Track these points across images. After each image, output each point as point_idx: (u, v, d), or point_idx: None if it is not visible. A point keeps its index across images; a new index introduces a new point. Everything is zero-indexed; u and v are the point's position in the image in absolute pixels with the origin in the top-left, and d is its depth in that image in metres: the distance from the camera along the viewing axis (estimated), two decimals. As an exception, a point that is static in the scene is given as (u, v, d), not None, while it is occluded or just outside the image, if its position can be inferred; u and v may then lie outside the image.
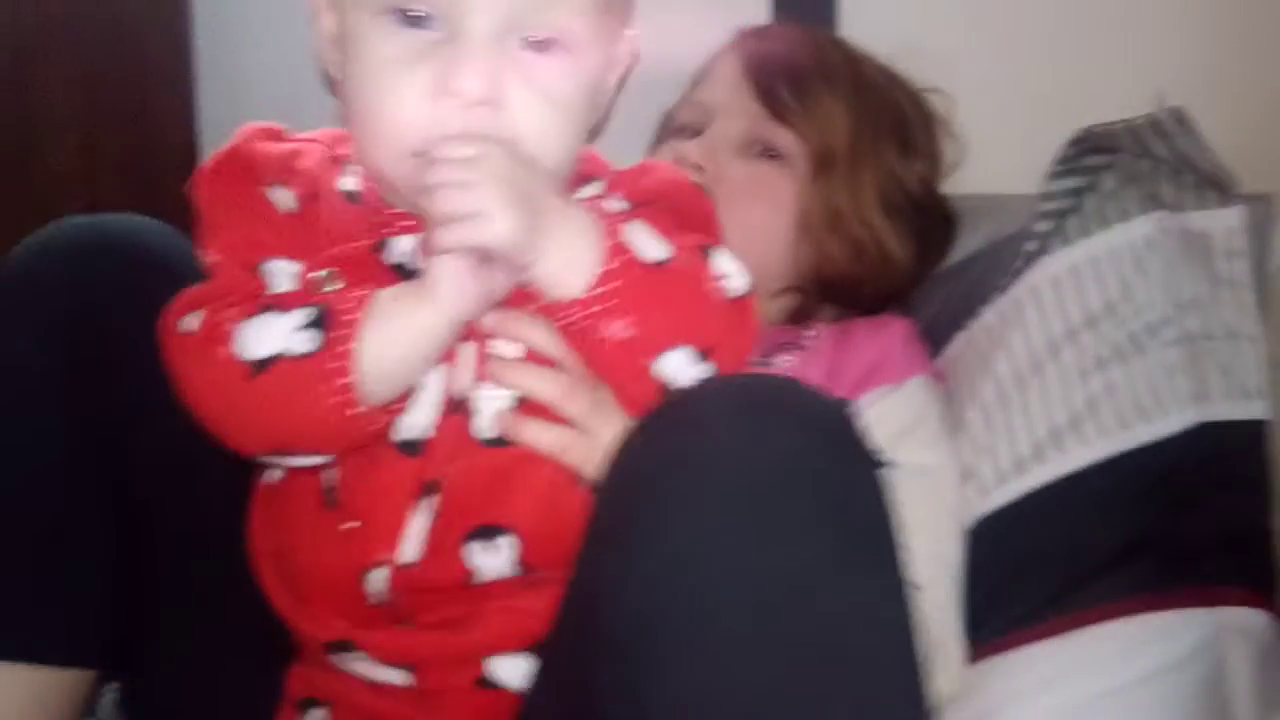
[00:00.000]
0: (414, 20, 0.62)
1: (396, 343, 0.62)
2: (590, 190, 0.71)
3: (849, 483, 0.58)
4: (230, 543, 0.73)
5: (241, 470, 0.70)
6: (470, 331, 0.66)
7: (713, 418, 0.58)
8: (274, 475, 0.71)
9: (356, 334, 0.62)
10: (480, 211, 0.60)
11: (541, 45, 0.63)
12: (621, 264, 0.63)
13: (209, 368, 0.63)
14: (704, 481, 0.56)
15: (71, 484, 0.72)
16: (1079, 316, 0.88)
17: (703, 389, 0.63)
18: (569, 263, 0.62)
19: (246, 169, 0.68)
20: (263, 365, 0.62)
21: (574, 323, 0.63)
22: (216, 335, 0.63)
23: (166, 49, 1.18)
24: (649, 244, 0.65)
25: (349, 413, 0.62)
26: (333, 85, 0.68)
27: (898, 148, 0.97)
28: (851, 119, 0.94)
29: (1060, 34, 1.12)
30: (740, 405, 0.59)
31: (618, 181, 0.72)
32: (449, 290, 0.62)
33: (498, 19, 0.62)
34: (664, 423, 0.60)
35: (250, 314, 0.63)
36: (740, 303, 0.67)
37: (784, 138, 0.94)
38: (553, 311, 0.64)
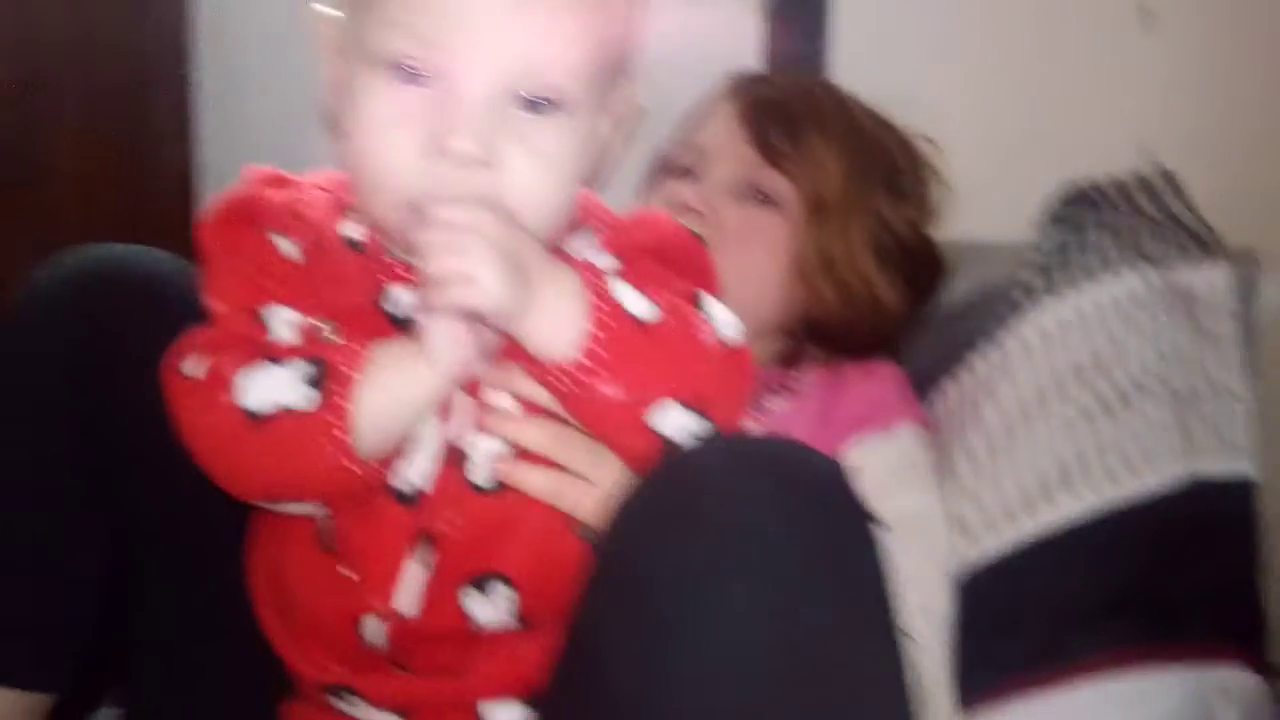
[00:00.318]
0: (412, 77, 0.62)
1: (392, 399, 0.63)
2: (579, 240, 0.70)
3: (847, 547, 0.59)
4: (228, 578, 0.73)
5: (239, 507, 0.70)
6: (466, 383, 0.66)
7: (714, 480, 0.59)
8: (265, 515, 0.71)
9: (354, 390, 0.62)
10: (469, 276, 0.60)
11: (537, 105, 0.63)
12: (609, 325, 0.63)
13: (209, 413, 0.63)
14: (707, 543, 0.56)
15: (66, 511, 0.73)
16: (1067, 369, 0.89)
17: (703, 450, 0.63)
18: (556, 326, 0.62)
19: (251, 215, 0.68)
20: (261, 416, 0.62)
21: (564, 385, 0.63)
22: (217, 382, 0.63)
23: (168, 85, 1.18)
24: (637, 303, 0.64)
25: (345, 466, 0.62)
26: (333, 130, 0.68)
27: (888, 193, 0.98)
28: (844, 164, 0.95)
29: (1048, 84, 1.14)
30: (741, 468, 0.59)
31: (612, 231, 0.71)
32: (444, 350, 0.62)
33: (493, 80, 0.61)
34: (666, 483, 0.61)
35: (250, 363, 0.63)
36: (733, 351, 0.67)
37: (778, 182, 0.95)
38: (542, 372, 0.64)
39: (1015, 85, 1.15)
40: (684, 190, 0.96)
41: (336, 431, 0.61)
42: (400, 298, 0.67)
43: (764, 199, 0.95)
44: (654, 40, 1.11)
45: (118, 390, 0.72)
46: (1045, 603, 0.84)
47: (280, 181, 0.70)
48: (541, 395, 0.67)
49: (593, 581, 0.62)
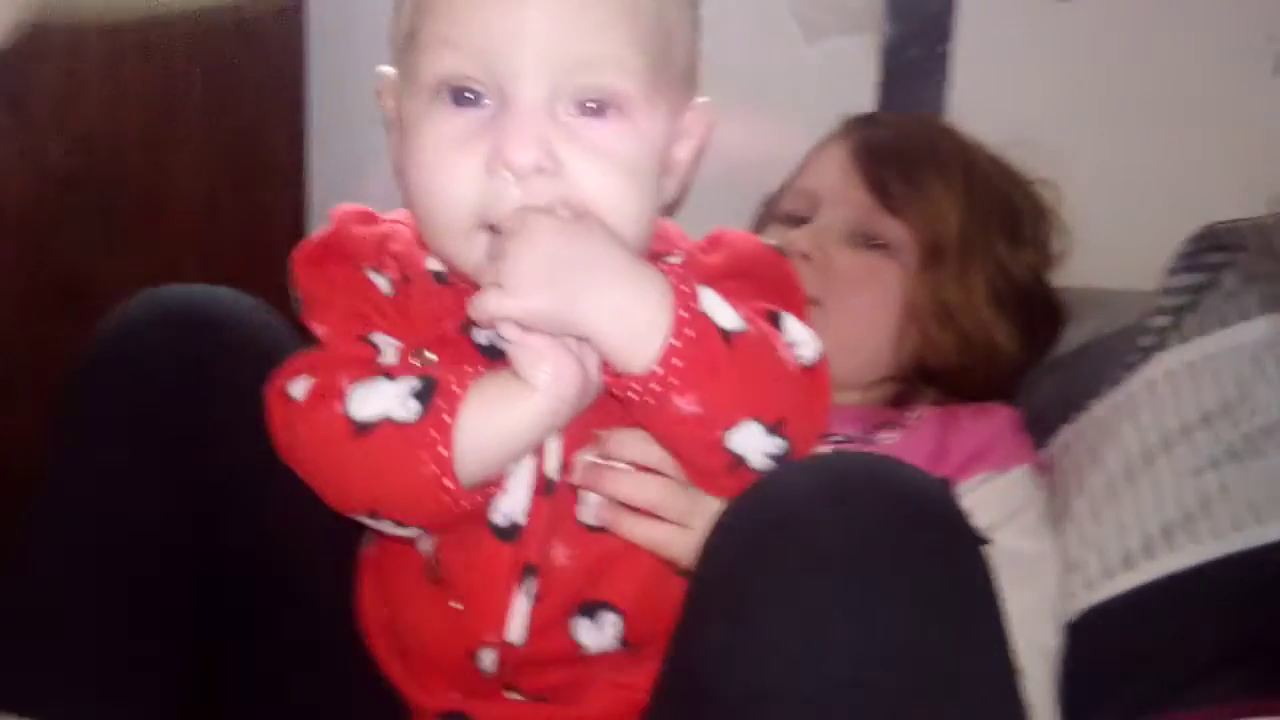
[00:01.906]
0: (467, 100, 0.62)
1: (495, 425, 0.62)
2: (671, 262, 0.68)
3: (957, 559, 0.57)
4: (331, 607, 0.74)
5: (336, 541, 0.71)
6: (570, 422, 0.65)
7: (814, 492, 0.57)
8: (374, 546, 0.72)
9: (459, 408, 0.62)
10: (507, 285, 0.59)
11: (596, 110, 0.62)
12: (690, 338, 0.61)
13: (315, 425, 0.64)
14: (811, 556, 0.55)
15: (160, 544, 0.73)
16: (1194, 414, 0.87)
17: (800, 465, 0.62)
18: (633, 337, 0.60)
19: (342, 252, 0.68)
20: (367, 426, 0.62)
21: (640, 397, 0.62)
22: (328, 394, 0.63)
23: (283, 123, 1.22)
24: (722, 313, 0.63)
25: (445, 484, 0.62)
26: (397, 176, 0.68)
27: (1007, 239, 0.96)
28: (962, 210, 0.94)
29: (1172, 126, 1.11)
30: (840, 480, 0.58)
31: (693, 252, 0.70)
32: (543, 378, 0.61)
33: (544, 84, 0.61)
34: (764, 498, 0.59)
35: (365, 378, 0.64)
36: (812, 371, 0.66)
37: (893, 228, 0.94)
38: (619, 384, 0.62)
39: (1137, 128, 1.12)
40: (796, 235, 0.95)
41: (437, 447, 0.61)
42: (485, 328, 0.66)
43: (878, 244, 0.95)
44: (767, 84, 1.12)
45: (208, 424, 0.72)
46: (1165, 648, 0.81)
47: (368, 218, 0.70)
48: (645, 455, 0.66)
49: (694, 603, 0.61)
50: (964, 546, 0.58)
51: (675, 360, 0.60)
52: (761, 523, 0.58)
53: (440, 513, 0.64)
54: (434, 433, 0.61)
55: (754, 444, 0.63)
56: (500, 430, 0.62)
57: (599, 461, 0.66)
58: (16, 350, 1.00)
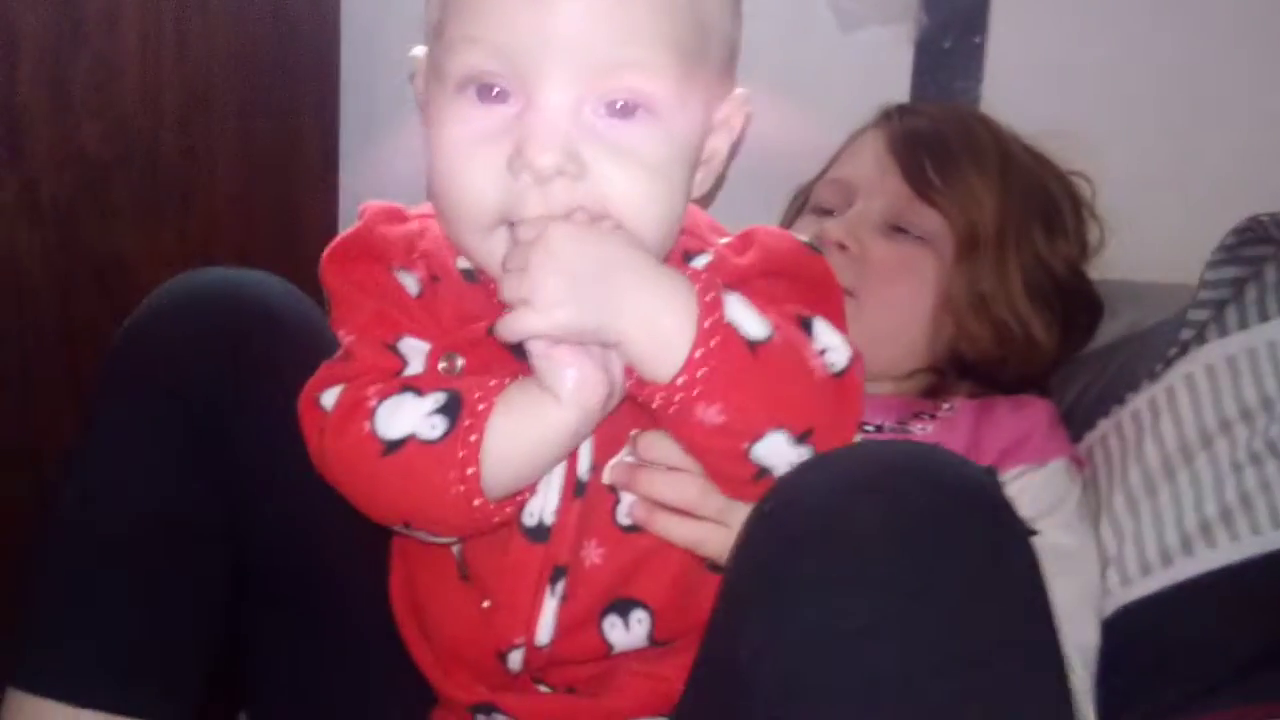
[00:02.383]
0: (493, 95, 0.61)
1: (522, 439, 0.61)
2: (698, 263, 0.68)
3: (1003, 547, 0.55)
4: (360, 602, 0.74)
5: (369, 528, 0.71)
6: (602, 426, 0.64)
7: (857, 482, 0.56)
8: (408, 542, 0.72)
9: (484, 424, 0.61)
10: (533, 299, 0.58)
11: (624, 111, 0.61)
12: (715, 346, 0.59)
13: (346, 442, 0.63)
14: (853, 547, 0.54)
15: (190, 539, 0.73)
16: (1234, 409, 0.86)
17: (842, 453, 0.60)
18: (657, 345, 0.60)
19: (371, 251, 0.67)
20: (395, 445, 0.62)
21: (664, 405, 0.61)
22: (357, 411, 0.63)
23: (317, 111, 1.23)
24: (749, 322, 0.61)
25: (474, 502, 0.61)
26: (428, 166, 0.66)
27: (1045, 230, 0.95)
28: (999, 200, 0.93)
29: (1209, 118, 1.09)
30: (884, 469, 0.56)
31: (724, 251, 0.68)
32: (568, 387, 0.60)
33: (570, 87, 0.59)
34: (805, 487, 0.58)
35: (390, 393, 0.63)
36: (843, 379, 0.64)
37: (929, 218, 0.94)
38: (644, 392, 0.61)
39: (1173, 119, 1.11)
40: (831, 225, 0.94)
41: (465, 467, 0.61)
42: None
43: (914, 234, 0.94)
44: (801, 74, 1.11)
45: (243, 407, 0.72)
46: (1201, 646, 0.81)
47: (397, 216, 0.69)
48: (675, 457, 0.65)
49: (732, 592, 0.59)
50: (1012, 537, 0.56)
51: (699, 371, 0.59)
52: (803, 512, 0.56)
53: (472, 526, 0.64)
54: (461, 452, 0.61)
55: (780, 454, 0.62)
56: (527, 444, 0.61)
57: (633, 462, 0.65)
58: (51, 332, 1.00)
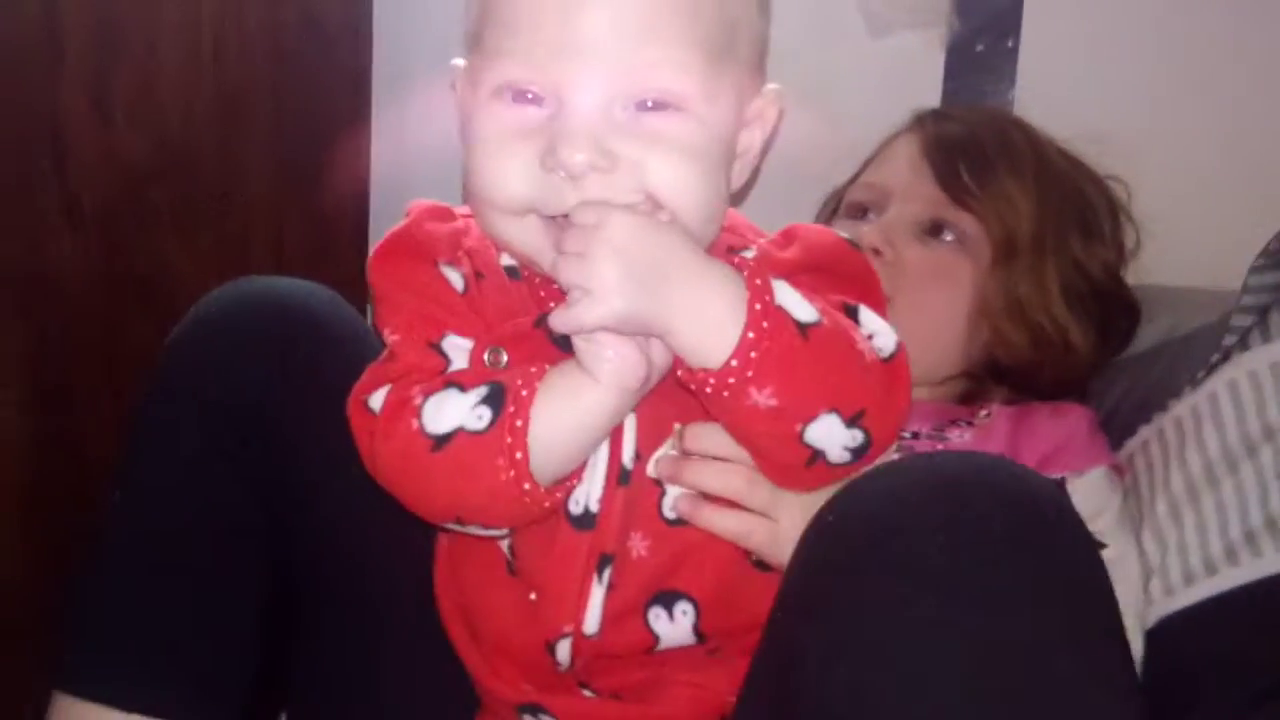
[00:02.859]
0: (527, 99, 0.63)
1: (565, 422, 0.62)
2: (745, 256, 0.68)
3: (1072, 559, 0.55)
4: (402, 601, 0.75)
5: (413, 530, 0.71)
6: (645, 411, 0.65)
7: (926, 495, 0.56)
8: (449, 537, 0.73)
9: (528, 410, 0.62)
10: (590, 289, 0.59)
11: (654, 109, 0.62)
12: (765, 331, 0.60)
13: (395, 441, 0.64)
14: (922, 561, 0.53)
15: (229, 544, 0.74)
16: (1277, 416, 0.84)
17: (907, 465, 0.60)
18: (707, 332, 0.60)
19: (417, 248, 0.68)
20: (444, 440, 0.62)
21: (716, 390, 0.61)
22: (404, 410, 0.64)
23: (348, 115, 1.24)
24: (798, 306, 0.62)
25: (524, 487, 0.62)
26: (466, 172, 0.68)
27: (1082, 234, 0.95)
28: (1035, 204, 0.93)
29: (1247, 120, 1.08)
30: (952, 482, 0.56)
31: (767, 247, 0.69)
32: (601, 365, 0.61)
33: (600, 88, 0.61)
34: (870, 497, 0.58)
35: (435, 390, 0.64)
36: (891, 363, 0.65)
37: (965, 222, 0.93)
38: (694, 378, 0.62)
39: (1209, 122, 1.10)
40: (865, 230, 0.94)
41: (512, 453, 0.62)
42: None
43: (949, 239, 0.93)
44: (833, 79, 1.11)
45: (287, 413, 0.73)
46: (1246, 658, 0.79)
47: (443, 214, 0.71)
48: (724, 448, 0.65)
49: (792, 602, 0.59)
50: (1082, 551, 0.56)
51: (751, 353, 0.60)
52: (868, 523, 0.56)
53: (523, 514, 0.64)
54: (508, 438, 0.62)
55: (833, 436, 0.62)
56: (570, 425, 0.62)
57: (678, 455, 0.66)
58: (94, 341, 1.02)
